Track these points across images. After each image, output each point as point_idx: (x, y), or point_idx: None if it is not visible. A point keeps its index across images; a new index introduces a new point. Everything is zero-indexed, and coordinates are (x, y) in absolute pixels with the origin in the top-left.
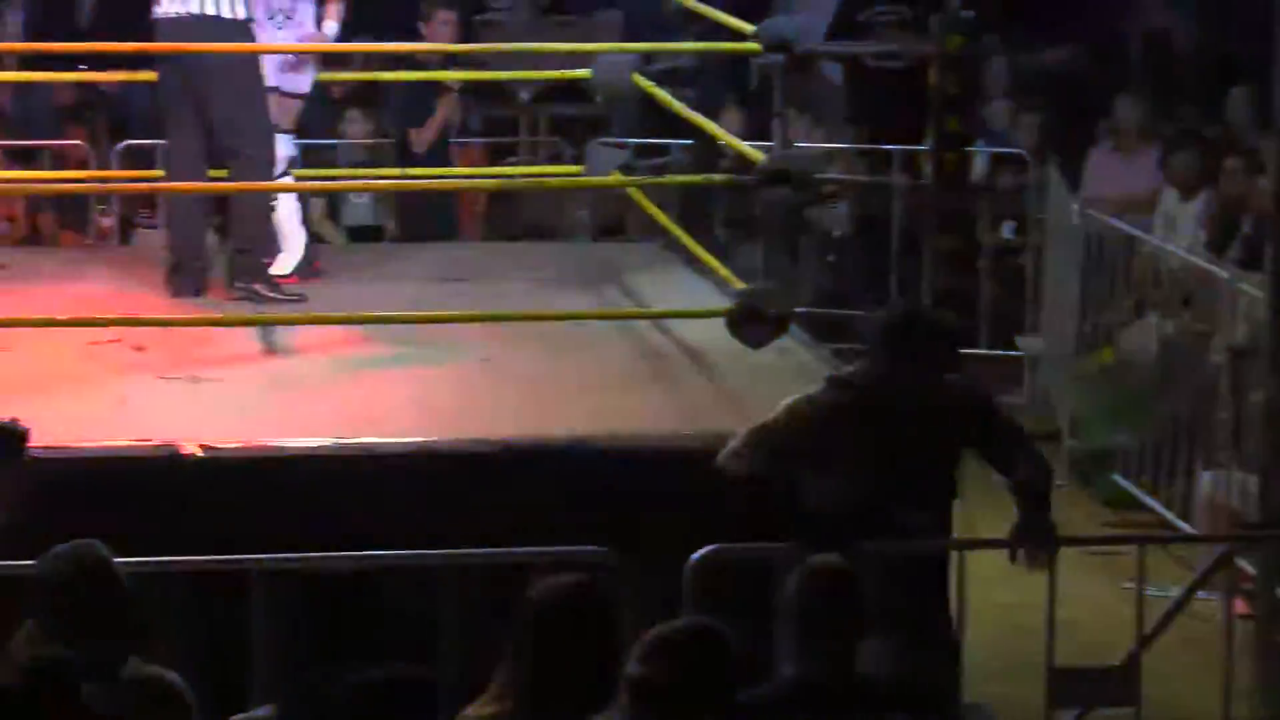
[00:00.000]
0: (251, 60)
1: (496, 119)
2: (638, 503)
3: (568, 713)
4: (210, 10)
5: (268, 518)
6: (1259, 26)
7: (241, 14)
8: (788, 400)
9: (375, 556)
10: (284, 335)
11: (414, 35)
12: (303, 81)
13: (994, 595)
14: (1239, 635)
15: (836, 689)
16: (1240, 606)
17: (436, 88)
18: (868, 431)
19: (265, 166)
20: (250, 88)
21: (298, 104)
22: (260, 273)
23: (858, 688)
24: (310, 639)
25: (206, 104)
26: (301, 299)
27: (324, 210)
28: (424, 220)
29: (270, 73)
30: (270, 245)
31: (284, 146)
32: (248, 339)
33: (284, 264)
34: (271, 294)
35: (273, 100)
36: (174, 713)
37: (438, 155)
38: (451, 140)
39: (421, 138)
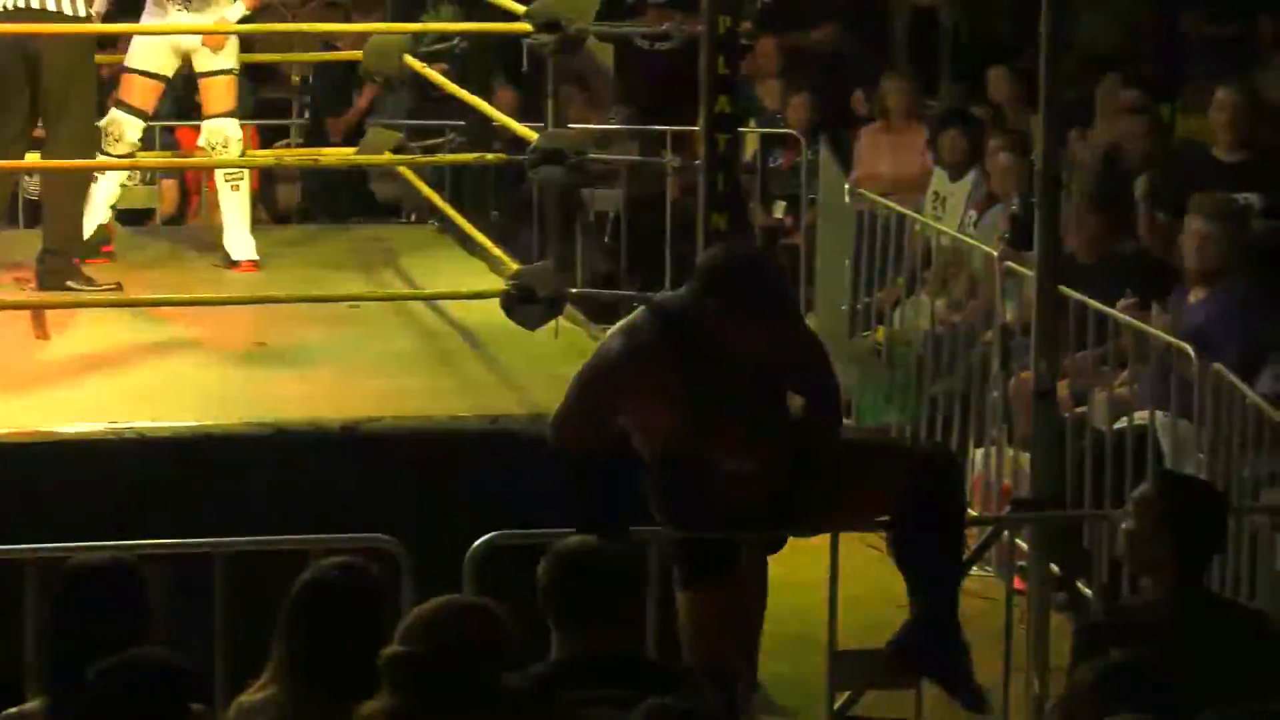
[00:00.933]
0: (89, 52)
1: (268, 101)
2: (417, 487)
3: (335, 697)
4: (51, 6)
5: (41, 505)
6: (1023, 5)
7: (82, 12)
8: (608, 348)
9: (151, 545)
10: (55, 318)
11: None
12: (223, 60)
13: (770, 570)
14: (1016, 611)
15: (595, 670)
16: (1018, 583)
17: (357, 76)
18: (700, 373)
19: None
20: (86, 79)
21: (226, 80)
22: (71, 273)
23: (619, 667)
24: (84, 629)
25: (42, 94)
26: (118, 288)
27: None
28: (338, 200)
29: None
30: (80, 246)
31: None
32: (18, 322)
33: None
34: (85, 288)
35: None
36: None
37: (354, 142)
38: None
39: (338, 126)
